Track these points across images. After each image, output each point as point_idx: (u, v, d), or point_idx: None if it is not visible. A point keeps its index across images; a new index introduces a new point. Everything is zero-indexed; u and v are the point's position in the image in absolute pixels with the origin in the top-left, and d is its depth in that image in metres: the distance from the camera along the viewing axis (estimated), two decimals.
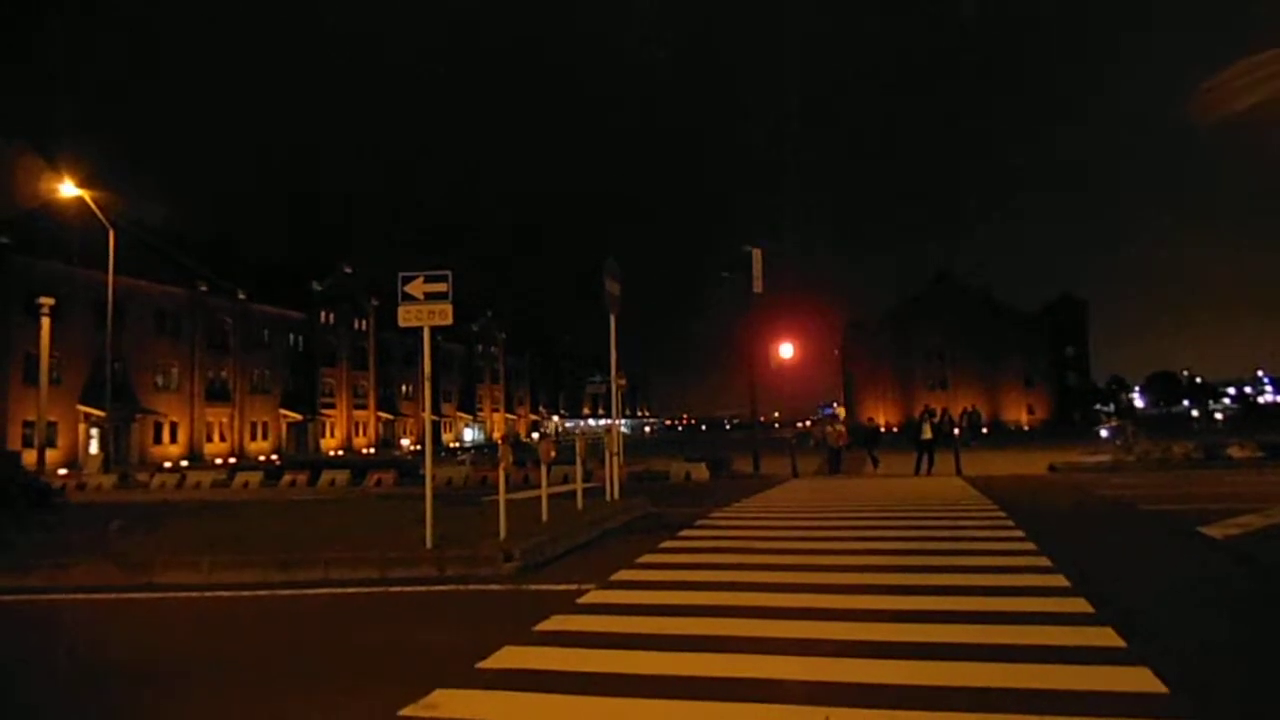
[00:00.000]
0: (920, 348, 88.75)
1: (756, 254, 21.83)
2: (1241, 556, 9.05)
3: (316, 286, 63.91)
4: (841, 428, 25.88)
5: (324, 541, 10.73)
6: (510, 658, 5.75)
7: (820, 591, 7.54)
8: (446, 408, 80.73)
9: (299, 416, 61.53)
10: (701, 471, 23.66)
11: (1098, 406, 77.82)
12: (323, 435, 64.27)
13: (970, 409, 48.83)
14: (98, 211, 30.89)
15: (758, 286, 22.62)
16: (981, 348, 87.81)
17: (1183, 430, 41.91)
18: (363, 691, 5.22)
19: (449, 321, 10.29)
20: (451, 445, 72.41)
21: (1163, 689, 4.67)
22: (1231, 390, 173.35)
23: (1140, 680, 4.83)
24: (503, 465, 11.65)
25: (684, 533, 11.81)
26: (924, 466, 22.34)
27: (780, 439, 39.41)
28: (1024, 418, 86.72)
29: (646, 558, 9.71)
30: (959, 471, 21.61)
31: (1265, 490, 15.21)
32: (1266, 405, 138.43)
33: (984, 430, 49.01)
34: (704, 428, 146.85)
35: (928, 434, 22.80)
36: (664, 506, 15.37)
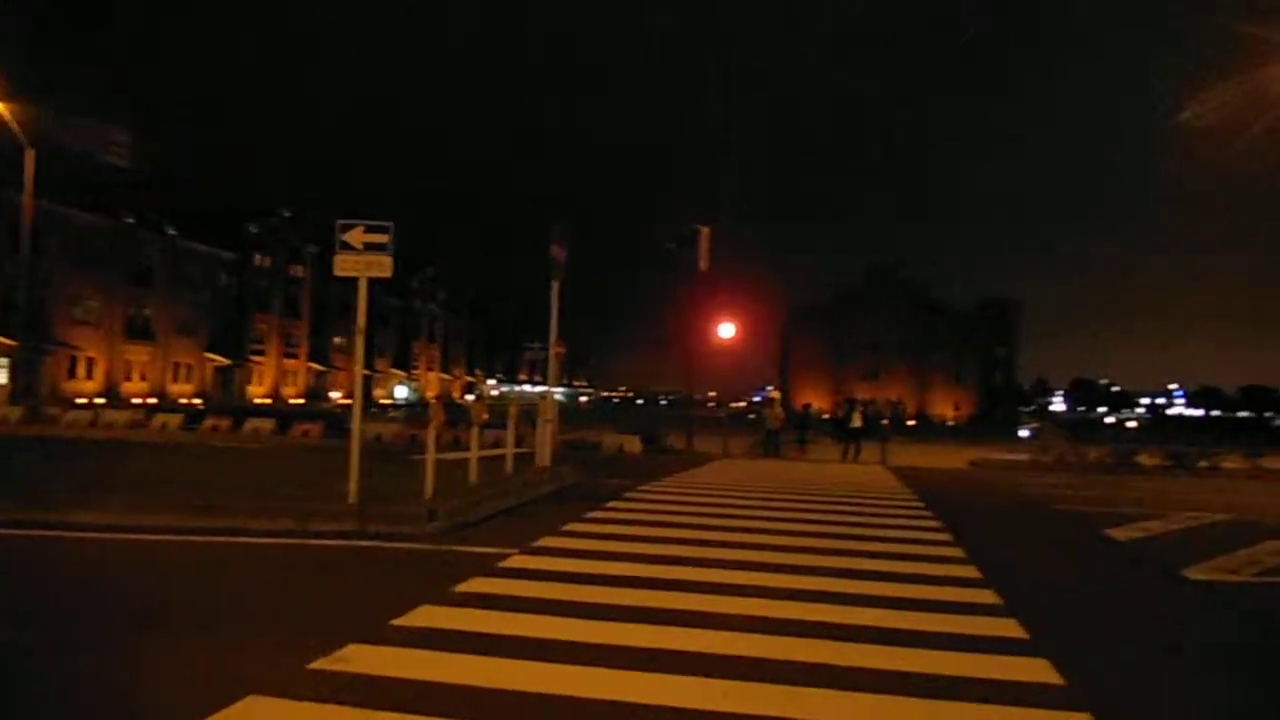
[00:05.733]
0: (856, 338, 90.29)
1: (704, 232, 21.85)
2: (1142, 559, 9.46)
3: (252, 229, 61.91)
4: (780, 410, 26.19)
5: (243, 490, 10.46)
6: (426, 616, 5.69)
7: (738, 568, 7.64)
8: (380, 363, 79.33)
9: (226, 361, 59.78)
10: (634, 444, 23.74)
11: (1020, 407, 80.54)
12: (250, 382, 62.59)
13: (892, 401, 49.91)
14: (14, 127, 29.26)
15: (703, 264, 22.67)
16: (915, 342, 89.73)
17: (1096, 435, 43.52)
18: (273, 643, 5.11)
19: (388, 274, 10.04)
20: (383, 401, 71.30)
21: (1060, 680, 4.85)
22: (1146, 400, 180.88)
23: (1039, 671, 5.00)
24: (433, 424, 11.50)
25: (611, 504, 11.84)
26: (851, 454, 22.80)
27: (715, 418, 39.82)
28: (950, 413, 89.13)
29: (572, 526, 9.70)
30: (884, 461, 22.12)
31: (1169, 497, 15.91)
32: (1177, 417, 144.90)
33: (909, 423, 50.24)
34: (640, 401, 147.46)
35: (857, 422, 23.25)
36: (594, 477, 15.38)
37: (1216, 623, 6.86)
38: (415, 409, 49.85)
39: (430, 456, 10.64)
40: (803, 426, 27.26)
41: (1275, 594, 7.83)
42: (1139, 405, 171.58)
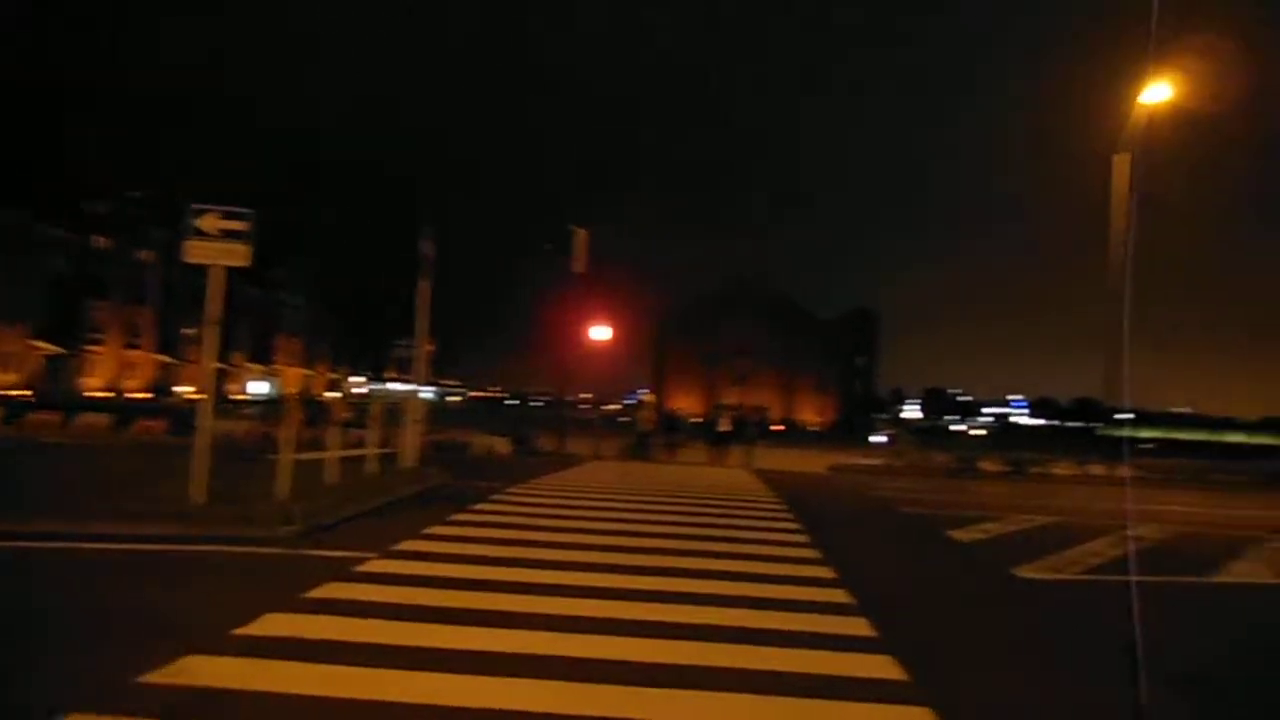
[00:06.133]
0: (727, 344, 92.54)
1: (580, 234, 21.81)
2: (980, 559, 10.08)
3: (93, 209, 57.44)
4: (650, 413, 26.50)
5: (74, 490, 9.67)
6: (272, 625, 5.41)
7: (601, 571, 7.65)
8: (236, 357, 75.26)
9: (58, 350, 55.22)
10: (504, 446, 23.45)
11: (878, 415, 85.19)
12: (86, 373, 58.05)
13: (759, 407, 51.66)
14: None
15: (579, 266, 22.60)
16: (783, 350, 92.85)
17: (945, 442, 46.24)
18: (103, 656, 4.73)
19: (245, 263, 9.55)
20: (237, 397, 67.65)
21: (905, 676, 5.09)
22: (992, 410, 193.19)
23: (885, 668, 5.24)
24: (290, 422, 10.99)
25: (477, 506, 11.63)
26: (719, 457, 23.31)
27: (588, 419, 39.84)
28: (813, 419, 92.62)
29: (434, 529, 9.47)
30: (749, 465, 22.72)
31: (1007, 500, 17.05)
32: (1019, 425, 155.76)
33: (772, 428, 52.00)
34: (514, 402, 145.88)
35: (726, 426, 23.80)
36: (461, 478, 15.08)
37: (1042, 618, 7.37)
38: (272, 406, 47.52)
39: (285, 456, 10.16)
40: (671, 429, 27.66)
41: (1094, 591, 8.48)
42: (984, 414, 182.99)
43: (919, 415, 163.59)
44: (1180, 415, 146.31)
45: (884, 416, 78.03)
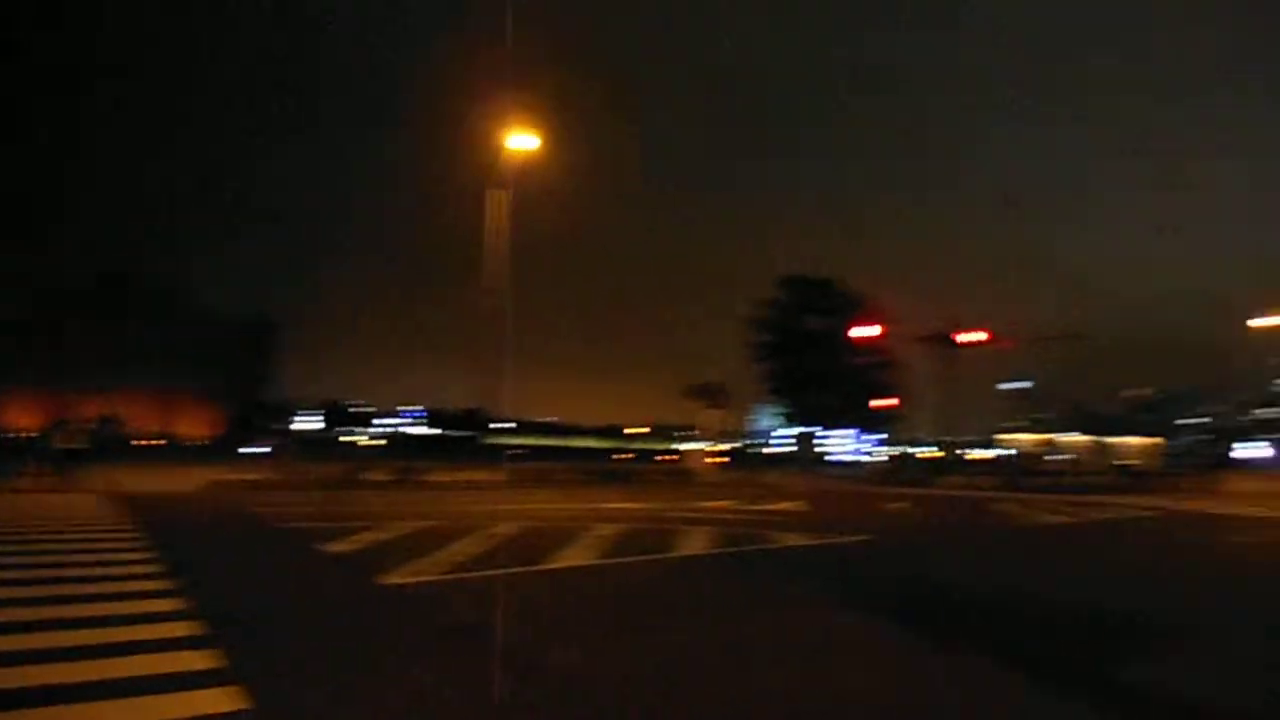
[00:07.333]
0: (85, 347, 79.24)
1: None
2: (350, 570, 10.21)
3: None
4: None
5: None
6: None
7: None
8: None
9: None
10: None
11: (273, 426, 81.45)
12: None
13: (108, 416, 45.59)
14: None
15: None
16: (161, 355, 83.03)
17: (335, 453, 45.96)
18: None
19: None
20: None
21: (250, 705, 4.88)
22: (392, 420, 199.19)
23: (230, 700, 4.95)
24: None
25: None
26: (64, 482, 19.72)
27: None
28: (195, 432, 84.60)
29: None
30: (108, 488, 19.69)
31: (387, 509, 17.70)
32: (414, 435, 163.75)
33: (142, 443, 46.28)
34: None
35: (72, 444, 20.24)
36: None
37: (400, 621, 7.67)
38: None
39: None
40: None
41: (450, 588, 9.16)
42: (379, 424, 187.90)
43: (320, 426, 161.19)
44: (547, 424, 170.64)
45: (275, 428, 75.00)
